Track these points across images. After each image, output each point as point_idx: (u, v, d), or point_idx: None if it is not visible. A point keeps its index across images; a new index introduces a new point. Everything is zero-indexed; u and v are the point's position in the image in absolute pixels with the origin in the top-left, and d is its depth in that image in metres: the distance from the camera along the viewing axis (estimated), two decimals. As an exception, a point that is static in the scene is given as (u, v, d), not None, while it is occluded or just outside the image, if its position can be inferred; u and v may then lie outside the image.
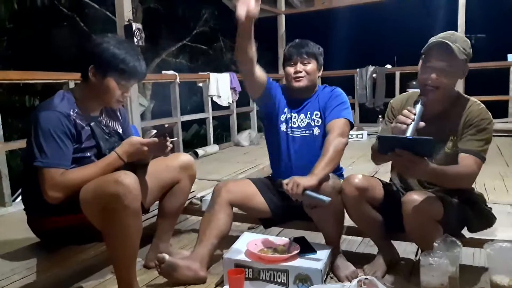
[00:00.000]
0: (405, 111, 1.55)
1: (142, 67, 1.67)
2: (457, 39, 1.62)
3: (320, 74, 2.08)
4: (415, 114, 1.52)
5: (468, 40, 1.66)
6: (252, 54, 1.80)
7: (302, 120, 2.05)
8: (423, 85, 1.66)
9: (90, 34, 8.67)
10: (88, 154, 1.66)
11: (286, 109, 2.08)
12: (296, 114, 2.05)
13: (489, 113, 1.68)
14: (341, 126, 1.91)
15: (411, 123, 1.51)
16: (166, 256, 1.77)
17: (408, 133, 1.50)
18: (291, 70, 2.02)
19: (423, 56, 1.67)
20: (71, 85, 3.30)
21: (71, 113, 1.60)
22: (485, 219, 1.77)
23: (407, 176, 1.80)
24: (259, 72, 1.93)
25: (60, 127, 1.55)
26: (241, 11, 1.59)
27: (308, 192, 1.67)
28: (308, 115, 2.04)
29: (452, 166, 1.61)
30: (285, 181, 1.72)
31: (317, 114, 2.03)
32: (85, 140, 1.65)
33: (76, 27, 9.06)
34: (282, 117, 2.07)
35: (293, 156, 2.04)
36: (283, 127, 2.06)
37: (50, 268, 1.70)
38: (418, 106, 1.55)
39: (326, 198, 1.64)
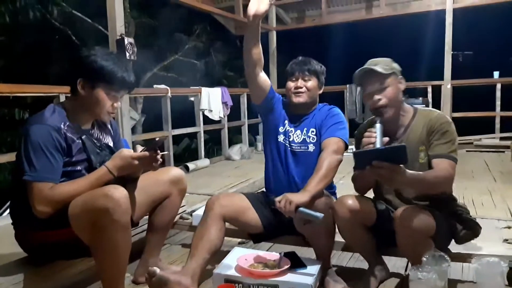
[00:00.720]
0: (366, 133, 1.65)
1: (130, 77, 1.68)
2: (378, 62, 1.78)
3: (320, 92, 2.11)
4: (375, 133, 1.61)
5: (389, 59, 1.82)
6: (257, 56, 1.85)
7: (298, 136, 2.06)
8: (374, 109, 1.78)
9: (81, 47, 8.67)
10: (78, 167, 1.66)
11: (286, 121, 2.10)
12: (293, 129, 2.07)
13: (447, 116, 1.79)
14: (336, 144, 1.93)
15: (375, 141, 1.59)
16: (157, 270, 1.73)
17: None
18: (291, 85, 2.05)
19: (358, 87, 1.80)
20: (62, 98, 3.31)
21: (62, 126, 1.59)
22: (472, 229, 1.80)
23: (390, 186, 1.83)
24: (263, 78, 1.98)
25: (50, 140, 1.55)
26: (252, 6, 1.69)
27: (301, 209, 1.67)
28: (304, 131, 2.06)
29: (429, 171, 1.68)
30: (277, 199, 1.72)
31: (312, 131, 2.04)
32: (76, 153, 1.64)
33: (68, 41, 9.05)
34: (281, 129, 2.09)
35: (290, 168, 2.05)
36: (280, 138, 2.08)
37: (38, 284, 1.67)
38: (377, 125, 1.64)
39: (319, 215, 1.65)
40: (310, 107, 2.09)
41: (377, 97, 1.75)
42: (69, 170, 1.63)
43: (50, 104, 1.69)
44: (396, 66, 1.81)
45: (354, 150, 1.73)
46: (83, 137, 1.68)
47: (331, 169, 1.85)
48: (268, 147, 2.15)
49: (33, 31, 8.54)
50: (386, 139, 1.61)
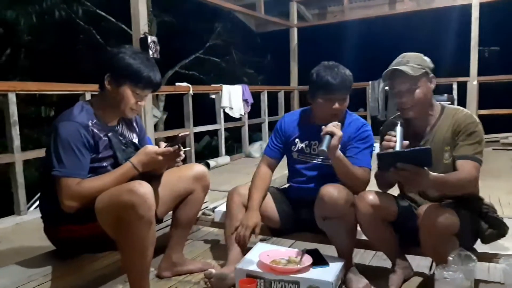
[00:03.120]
0: (386, 136, 1.65)
1: (156, 77, 1.71)
2: (409, 59, 1.74)
3: None
4: (395, 136, 1.60)
5: (421, 54, 1.77)
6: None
7: None
8: (400, 108, 1.77)
9: (106, 46, 8.84)
10: (104, 164, 1.70)
11: (297, 140, 2.07)
12: (316, 142, 1.98)
13: (475, 116, 1.74)
14: (363, 174, 1.89)
15: (394, 145, 1.58)
16: (213, 271, 1.83)
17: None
18: (328, 105, 1.91)
19: (381, 84, 1.77)
20: (87, 96, 3.38)
21: (90, 123, 1.64)
22: (498, 229, 1.75)
23: (413, 189, 1.81)
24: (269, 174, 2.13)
25: (79, 137, 1.59)
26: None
27: (328, 136, 1.71)
28: None
29: (452, 173, 1.64)
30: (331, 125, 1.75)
31: None
32: (102, 150, 1.68)
33: (92, 40, 9.24)
34: (294, 148, 2.08)
35: (308, 179, 2.04)
36: (295, 155, 2.08)
37: (65, 276, 1.72)
38: (398, 128, 1.63)
39: (325, 148, 1.68)
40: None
41: (404, 99, 1.73)
42: (96, 166, 1.67)
43: (78, 102, 1.74)
44: (428, 62, 1.76)
45: (378, 151, 1.71)
46: (110, 134, 1.71)
47: (357, 178, 1.86)
48: (288, 159, 2.15)
49: (59, 30, 8.76)
50: (406, 142, 1.60)
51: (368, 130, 2.00)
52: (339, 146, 1.77)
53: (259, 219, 1.96)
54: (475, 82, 6.27)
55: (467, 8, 6.22)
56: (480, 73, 6.29)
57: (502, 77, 6.77)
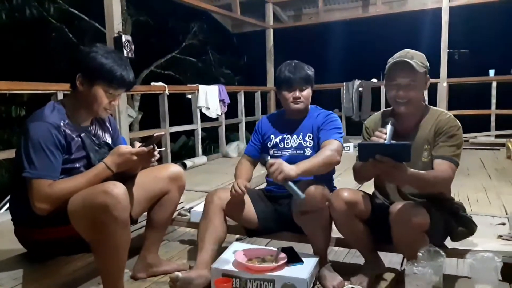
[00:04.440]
0: (377, 133, 1.68)
1: (130, 77, 1.69)
2: (413, 55, 1.77)
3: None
4: (385, 134, 1.64)
5: (423, 54, 1.81)
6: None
7: (294, 140, 2.12)
8: (394, 101, 1.79)
9: (79, 45, 8.65)
10: (77, 165, 1.67)
11: (272, 136, 2.17)
12: (289, 136, 2.13)
13: (457, 120, 1.80)
14: (337, 145, 1.97)
15: (383, 142, 1.61)
16: (179, 274, 1.81)
17: None
18: (289, 95, 2.08)
19: (386, 75, 1.80)
20: (60, 96, 3.31)
21: (61, 124, 1.61)
22: (467, 227, 1.82)
23: (389, 182, 1.85)
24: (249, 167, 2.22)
25: (50, 138, 1.56)
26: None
27: (289, 183, 1.74)
28: (301, 136, 2.11)
29: (429, 171, 1.69)
30: (271, 161, 1.78)
31: (309, 136, 2.09)
32: (75, 151, 1.65)
33: (65, 39, 9.02)
34: (269, 144, 2.17)
35: None
36: (271, 151, 2.15)
37: (37, 280, 1.69)
38: (389, 126, 1.68)
39: (302, 195, 1.71)
40: (305, 113, 2.15)
41: (402, 92, 1.76)
42: (68, 167, 1.64)
43: (50, 102, 1.70)
44: (427, 64, 1.81)
45: (360, 141, 1.75)
46: (82, 134, 1.69)
47: (327, 161, 1.90)
48: None
49: (30, 29, 8.52)
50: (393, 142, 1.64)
51: (336, 117, 2.12)
52: (287, 169, 1.77)
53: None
54: (445, 84, 6.47)
55: (438, 12, 6.42)
56: (450, 75, 6.50)
57: (470, 79, 7.01)
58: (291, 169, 1.77)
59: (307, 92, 2.10)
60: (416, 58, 1.76)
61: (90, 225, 1.51)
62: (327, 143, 1.97)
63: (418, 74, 1.75)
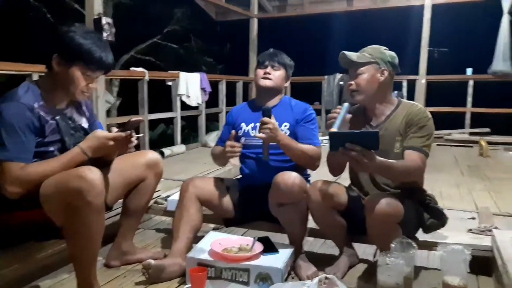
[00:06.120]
0: (333, 110, 1.79)
1: (109, 59, 1.64)
2: (367, 49, 1.87)
3: (287, 84, 2.18)
4: (340, 109, 1.74)
5: (381, 48, 1.88)
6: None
7: None
8: (349, 90, 1.90)
9: (56, 26, 8.41)
10: (51, 148, 1.62)
11: (243, 124, 2.14)
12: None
13: (427, 111, 1.85)
14: (320, 153, 2.03)
15: (337, 116, 1.71)
16: (152, 261, 1.78)
17: (336, 124, 1.69)
18: (261, 71, 2.11)
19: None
20: (35, 77, 3.21)
21: (35, 105, 1.56)
22: (438, 219, 1.87)
23: (359, 170, 1.89)
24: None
25: (23, 119, 1.51)
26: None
27: (270, 144, 1.88)
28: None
29: (399, 161, 1.74)
30: (266, 120, 1.85)
31: (286, 125, 2.07)
32: (49, 134, 1.60)
33: (42, 19, 8.75)
34: (240, 132, 2.13)
35: (257, 161, 2.06)
36: (242, 140, 2.11)
37: (7, 266, 1.63)
38: (345, 104, 1.77)
39: (269, 159, 1.89)
40: (274, 96, 2.13)
41: (350, 81, 1.87)
42: (42, 150, 1.59)
43: (24, 82, 1.65)
44: (383, 55, 1.84)
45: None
46: (57, 117, 1.64)
47: (307, 156, 1.97)
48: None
49: (6, 7, 8.22)
50: (349, 116, 1.75)
51: (313, 112, 2.15)
52: (278, 130, 1.89)
53: None
54: (423, 81, 6.59)
55: (421, 9, 6.50)
56: (428, 72, 6.62)
57: (448, 77, 7.16)
58: (281, 135, 1.89)
59: (279, 73, 2.10)
60: (367, 51, 1.85)
61: (63, 210, 1.48)
62: (312, 148, 2.00)
63: (359, 64, 1.82)
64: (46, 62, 1.61)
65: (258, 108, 2.11)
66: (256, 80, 2.13)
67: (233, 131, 2.01)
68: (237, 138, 2.07)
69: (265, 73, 2.09)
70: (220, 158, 2.09)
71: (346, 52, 1.84)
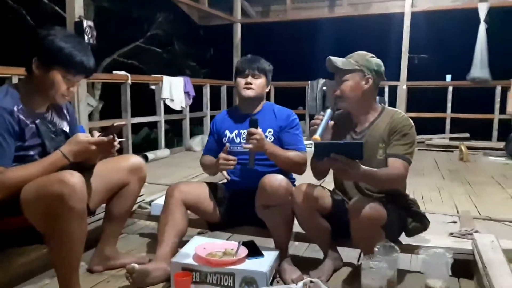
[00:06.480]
0: (316, 116, 1.80)
1: (90, 62, 1.62)
2: (353, 55, 1.88)
3: (267, 90, 2.19)
4: (323, 116, 1.74)
5: (366, 55, 1.89)
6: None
7: None
8: (334, 95, 1.91)
9: (37, 28, 8.26)
10: (31, 152, 1.59)
11: (227, 131, 2.15)
12: (245, 130, 2.04)
13: (410, 119, 1.88)
14: (306, 160, 2.04)
15: (320, 123, 1.72)
16: (136, 266, 1.76)
17: (319, 131, 1.69)
18: (242, 81, 2.10)
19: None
20: (15, 80, 3.14)
21: (15, 109, 1.52)
22: (420, 222, 1.90)
23: (343, 179, 1.92)
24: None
25: (3, 123, 1.47)
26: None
27: (255, 153, 1.89)
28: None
29: (382, 169, 1.76)
30: (253, 130, 1.87)
31: (270, 131, 2.08)
32: (29, 138, 1.57)
33: (22, 21, 8.58)
34: (225, 139, 2.13)
35: (243, 167, 2.06)
36: (227, 146, 2.08)
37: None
38: (327, 110, 1.78)
39: (254, 166, 1.90)
40: (257, 104, 2.15)
41: (335, 87, 1.88)
42: (21, 155, 1.56)
43: (3, 85, 1.61)
44: (368, 63, 1.85)
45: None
46: (37, 121, 1.61)
47: (294, 163, 2.00)
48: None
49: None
50: (331, 123, 1.76)
51: (296, 117, 2.17)
52: (265, 140, 1.91)
53: None
54: (404, 87, 6.71)
55: (401, 16, 6.63)
56: (409, 78, 6.75)
57: (428, 83, 7.31)
58: (267, 144, 1.91)
59: (260, 81, 2.11)
60: (353, 58, 1.85)
61: (44, 215, 1.44)
62: (297, 155, 2.03)
63: (344, 71, 1.83)
64: (26, 65, 1.58)
65: (241, 115, 2.14)
66: (239, 90, 2.13)
67: (227, 144, 2.02)
68: (220, 146, 2.10)
69: (246, 83, 2.08)
70: (212, 169, 2.10)
71: (332, 58, 1.85)
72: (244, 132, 2.07)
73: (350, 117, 1.94)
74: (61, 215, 1.42)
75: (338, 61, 1.85)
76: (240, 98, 2.17)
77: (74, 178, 1.44)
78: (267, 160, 2.00)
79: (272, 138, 2.07)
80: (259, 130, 1.89)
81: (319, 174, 1.96)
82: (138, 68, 9.96)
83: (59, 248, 1.49)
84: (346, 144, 1.66)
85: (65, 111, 1.79)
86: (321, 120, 1.73)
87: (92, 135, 1.61)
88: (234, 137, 2.12)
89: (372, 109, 1.91)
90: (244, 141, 2.04)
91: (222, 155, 1.95)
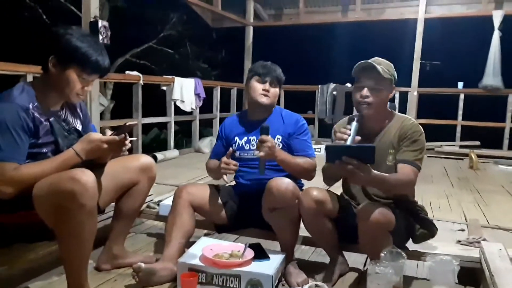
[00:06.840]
0: (342, 129, 1.76)
1: (105, 62, 1.65)
2: (381, 62, 1.85)
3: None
4: (350, 130, 1.71)
5: (392, 64, 1.88)
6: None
7: None
8: (357, 103, 1.86)
9: (52, 27, 8.37)
10: (44, 150, 1.62)
11: (236, 138, 2.15)
12: (254, 137, 2.09)
13: (420, 126, 1.87)
14: (315, 166, 2.05)
15: (347, 138, 1.69)
16: (142, 265, 1.78)
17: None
18: (260, 86, 2.09)
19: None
20: (29, 78, 3.20)
21: (30, 106, 1.55)
22: (428, 229, 1.89)
23: (354, 183, 1.91)
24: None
25: (18, 120, 1.51)
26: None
27: (265, 161, 1.88)
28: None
29: (392, 174, 1.76)
30: (265, 138, 1.85)
31: (278, 138, 2.09)
32: (43, 135, 1.60)
33: (38, 20, 8.71)
34: (234, 146, 2.13)
35: (251, 174, 2.08)
36: (237, 154, 2.12)
37: (-3, 267, 1.63)
38: (354, 123, 1.74)
39: (264, 173, 1.88)
40: (269, 112, 2.16)
41: (364, 93, 1.81)
42: (35, 152, 1.59)
43: (19, 83, 1.64)
44: (394, 73, 1.87)
45: (328, 143, 1.80)
46: (51, 119, 1.64)
47: (303, 169, 2.01)
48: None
49: (1, 7, 8.18)
50: (358, 138, 1.71)
51: (305, 122, 2.18)
52: (276, 147, 1.89)
53: None
54: (415, 93, 6.67)
55: (414, 22, 6.60)
56: (420, 84, 6.70)
57: (440, 90, 7.25)
58: (278, 151, 1.90)
59: (276, 91, 2.12)
60: (383, 65, 1.83)
61: (55, 212, 1.47)
62: (307, 161, 2.03)
63: (383, 80, 1.81)
64: (42, 64, 1.62)
65: (251, 121, 2.15)
66: (254, 95, 2.09)
67: (230, 149, 2.02)
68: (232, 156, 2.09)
69: (264, 90, 2.08)
70: (215, 172, 2.11)
71: (376, 64, 1.79)
72: (254, 139, 2.09)
73: (362, 122, 1.90)
74: (72, 212, 1.45)
75: (378, 67, 1.79)
76: (251, 103, 2.14)
77: (86, 176, 1.47)
78: (276, 165, 2.00)
79: (281, 144, 2.08)
80: (265, 138, 1.87)
81: (330, 179, 1.97)
82: (150, 68, 10.04)
83: (69, 244, 1.51)
84: (358, 147, 1.66)
85: (78, 110, 1.82)
86: (348, 135, 1.71)
87: (104, 134, 1.65)
88: (244, 143, 2.12)
89: (385, 115, 1.92)
90: (253, 147, 2.07)
91: (224, 159, 1.96)
